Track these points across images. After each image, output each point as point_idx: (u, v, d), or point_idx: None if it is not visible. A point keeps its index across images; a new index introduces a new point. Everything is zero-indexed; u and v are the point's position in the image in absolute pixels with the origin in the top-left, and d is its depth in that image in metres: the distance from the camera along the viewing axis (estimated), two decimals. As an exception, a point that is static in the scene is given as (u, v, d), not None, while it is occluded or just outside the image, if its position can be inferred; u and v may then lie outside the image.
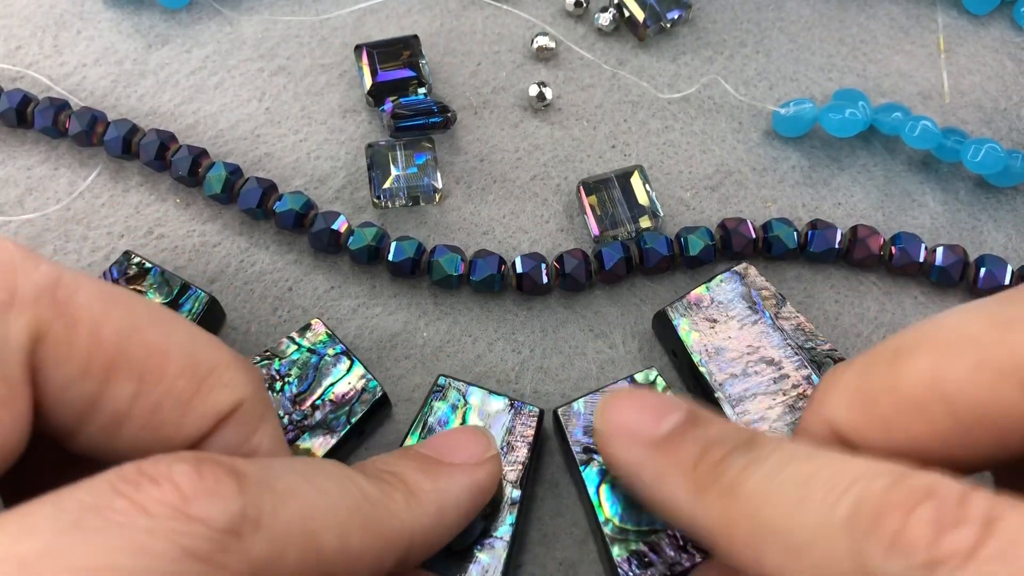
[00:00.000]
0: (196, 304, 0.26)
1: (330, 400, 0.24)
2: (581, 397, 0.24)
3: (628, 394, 0.21)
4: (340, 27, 0.33)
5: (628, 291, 0.28)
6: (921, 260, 0.27)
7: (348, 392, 0.25)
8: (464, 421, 0.24)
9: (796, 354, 0.25)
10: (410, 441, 0.24)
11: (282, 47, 0.32)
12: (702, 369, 0.25)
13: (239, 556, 0.15)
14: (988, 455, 0.17)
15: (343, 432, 0.24)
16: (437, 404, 0.24)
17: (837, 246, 0.27)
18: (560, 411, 0.24)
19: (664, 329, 0.26)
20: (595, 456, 0.24)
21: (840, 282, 0.28)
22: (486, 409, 0.24)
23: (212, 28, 0.33)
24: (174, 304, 0.26)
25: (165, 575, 0.14)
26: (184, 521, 0.14)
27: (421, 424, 0.24)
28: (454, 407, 0.24)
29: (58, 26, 0.33)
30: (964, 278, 0.27)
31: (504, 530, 0.23)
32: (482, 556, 0.22)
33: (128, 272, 0.26)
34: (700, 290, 0.26)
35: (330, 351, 0.25)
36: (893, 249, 0.27)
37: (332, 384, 0.25)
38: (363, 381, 0.25)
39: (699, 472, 0.18)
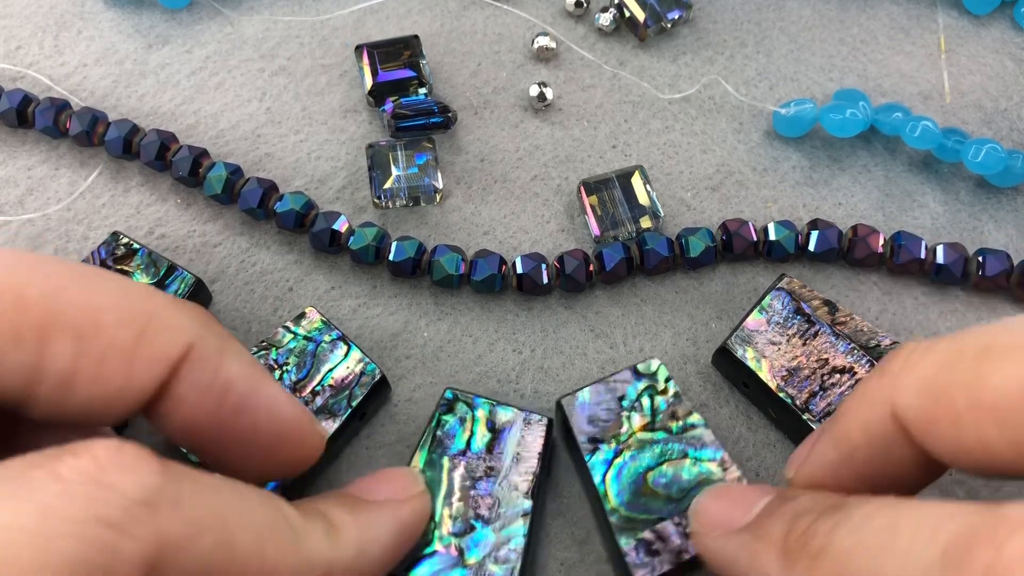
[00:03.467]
0: (182, 285, 0.26)
1: (329, 385, 0.25)
2: (585, 387, 0.24)
3: (718, 489, 0.22)
4: (340, 27, 0.33)
5: (629, 291, 0.28)
6: (922, 258, 0.27)
7: (347, 376, 0.25)
8: (472, 434, 0.24)
9: (864, 356, 0.25)
10: (419, 457, 0.24)
11: (283, 47, 0.32)
12: (782, 395, 0.24)
13: (150, 529, 0.15)
14: None
15: (345, 416, 0.24)
16: (445, 418, 0.24)
17: (837, 245, 0.27)
18: (564, 401, 0.24)
19: (729, 364, 0.26)
20: (600, 445, 0.24)
21: (841, 282, 0.28)
22: (494, 420, 0.24)
23: (213, 28, 0.33)
24: (160, 285, 0.26)
25: (72, 537, 0.14)
26: (96, 487, 0.14)
27: (430, 438, 0.24)
28: (462, 420, 0.24)
29: (59, 26, 0.33)
30: (966, 276, 0.27)
31: (517, 541, 0.23)
32: (495, 568, 0.22)
33: (116, 252, 0.27)
34: (754, 315, 0.26)
35: (326, 337, 0.25)
36: (894, 247, 0.27)
37: (331, 369, 0.25)
38: (361, 365, 0.25)
39: (788, 544, 0.18)
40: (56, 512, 0.14)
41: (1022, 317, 0.17)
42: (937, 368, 0.17)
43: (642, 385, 0.24)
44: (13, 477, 0.14)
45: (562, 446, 0.26)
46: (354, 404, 0.24)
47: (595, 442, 0.24)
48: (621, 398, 0.24)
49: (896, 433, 0.18)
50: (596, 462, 0.23)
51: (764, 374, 0.25)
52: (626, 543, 0.22)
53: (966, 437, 0.17)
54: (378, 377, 0.25)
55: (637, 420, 0.24)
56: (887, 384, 0.18)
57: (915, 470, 0.19)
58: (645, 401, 0.24)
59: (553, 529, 0.25)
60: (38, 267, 0.17)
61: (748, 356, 0.25)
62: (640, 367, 0.25)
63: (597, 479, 0.23)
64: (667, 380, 0.24)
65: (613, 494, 0.23)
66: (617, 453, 0.23)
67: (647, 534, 0.22)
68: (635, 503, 0.23)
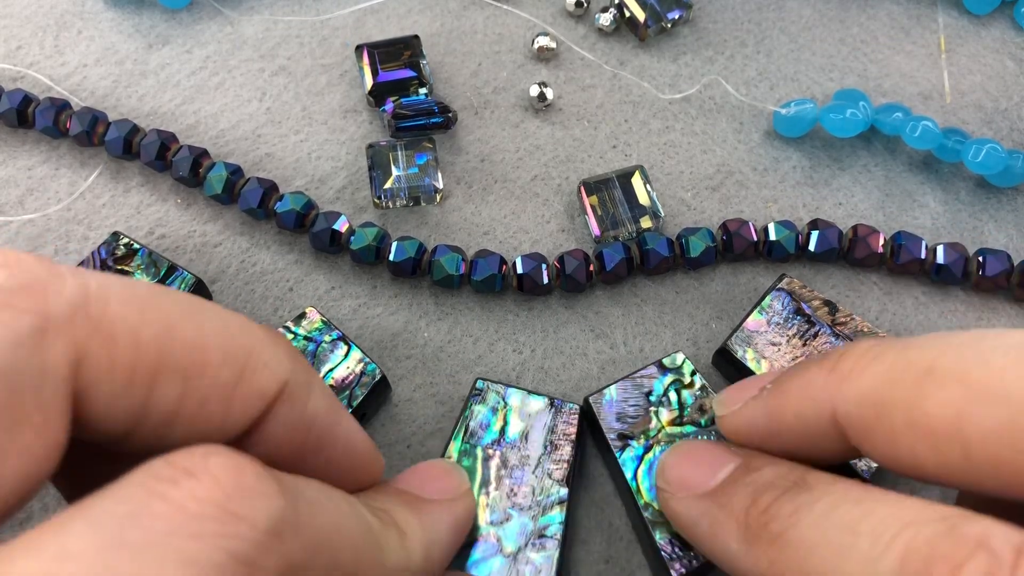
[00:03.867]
0: (182, 286, 0.26)
1: (330, 385, 0.25)
2: (611, 384, 0.25)
3: (686, 448, 0.22)
4: (341, 27, 0.33)
5: (629, 291, 0.28)
6: (922, 258, 0.27)
7: (347, 376, 0.25)
8: (505, 423, 0.24)
9: None
10: (453, 448, 0.24)
11: (283, 47, 0.32)
12: None
13: (279, 559, 0.14)
14: (996, 498, 0.17)
15: None
16: (477, 408, 0.24)
17: (838, 245, 0.27)
18: (592, 399, 0.24)
19: (729, 364, 0.26)
20: (630, 442, 0.24)
21: (841, 282, 0.28)
22: (526, 410, 0.24)
23: (213, 28, 0.33)
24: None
25: None
26: (229, 522, 0.14)
27: (463, 429, 0.24)
28: (494, 409, 0.24)
29: (59, 26, 0.33)
30: (966, 276, 0.27)
31: (554, 529, 0.23)
32: (534, 556, 0.22)
33: (116, 252, 0.27)
34: (755, 316, 0.26)
35: (327, 338, 0.25)
36: (894, 247, 0.27)
37: (331, 370, 0.25)
38: (361, 365, 0.25)
39: (749, 520, 0.18)
40: (197, 560, 0.13)
41: (966, 335, 0.18)
42: (881, 382, 0.18)
43: (668, 379, 0.25)
44: (135, 515, 0.13)
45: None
46: (354, 404, 0.24)
47: (624, 439, 0.24)
48: (648, 393, 0.24)
49: (831, 429, 0.19)
50: (627, 459, 0.24)
51: (764, 374, 0.25)
52: (661, 538, 0.22)
53: (900, 451, 0.17)
54: (378, 377, 0.25)
55: (665, 415, 0.24)
56: (832, 384, 0.19)
57: (838, 454, 0.20)
58: (672, 395, 0.24)
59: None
60: (151, 303, 0.16)
61: (748, 357, 0.25)
62: (665, 361, 0.25)
63: (629, 475, 0.23)
64: (693, 373, 0.25)
65: (645, 489, 0.23)
66: (647, 448, 0.24)
67: None
68: None
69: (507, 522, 0.23)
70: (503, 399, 0.24)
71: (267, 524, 0.14)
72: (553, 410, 0.24)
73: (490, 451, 0.24)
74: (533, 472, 0.23)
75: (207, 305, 0.18)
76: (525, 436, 0.24)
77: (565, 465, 0.24)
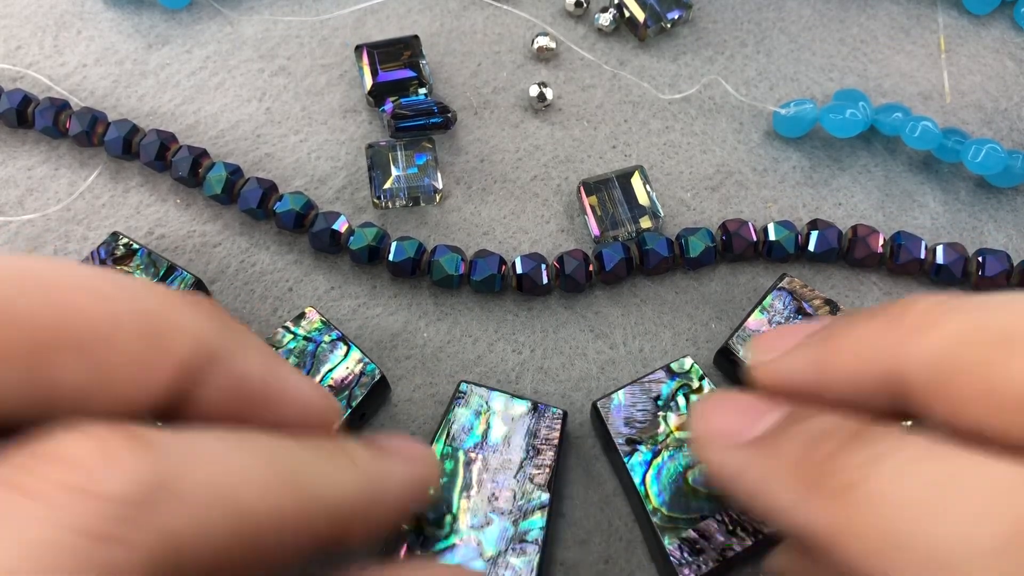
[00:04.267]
0: (182, 285, 0.26)
1: (329, 385, 0.25)
2: (620, 389, 0.24)
3: (724, 396, 0.20)
4: (340, 27, 0.33)
5: (629, 292, 0.28)
6: (922, 258, 0.27)
7: (347, 376, 0.25)
8: (488, 427, 0.24)
9: None
10: (435, 450, 0.24)
11: (282, 47, 0.32)
12: None
13: (150, 529, 0.13)
14: None
15: (345, 416, 0.24)
16: (460, 411, 0.24)
17: (837, 246, 0.27)
18: (600, 403, 0.24)
19: (730, 363, 0.26)
20: (639, 447, 0.24)
21: (841, 282, 0.28)
22: (509, 413, 0.24)
23: (212, 28, 0.33)
24: None
25: (64, 570, 0.12)
26: (81, 499, 0.13)
27: (445, 432, 0.24)
28: (477, 413, 0.24)
29: (58, 26, 0.33)
30: (966, 276, 0.27)
31: (535, 533, 0.23)
32: (515, 561, 0.22)
33: (115, 253, 0.27)
34: (756, 315, 0.26)
35: (326, 338, 0.25)
36: (894, 247, 0.27)
37: (331, 370, 0.25)
38: (361, 365, 0.25)
39: (804, 470, 0.17)
40: (40, 542, 0.12)
41: None
42: (953, 343, 0.16)
43: (676, 384, 0.24)
44: None
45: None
46: (354, 404, 0.25)
47: (632, 443, 0.24)
48: (656, 398, 0.24)
49: (883, 387, 0.17)
50: (635, 463, 0.23)
51: None
52: (670, 543, 0.22)
53: (965, 418, 0.16)
54: (378, 377, 0.25)
55: (674, 419, 0.24)
56: (896, 340, 0.17)
57: (884, 411, 0.18)
58: (680, 400, 0.24)
59: (555, 530, 0.25)
60: (44, 278, 0.16)
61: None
62: (673, 366, 0.25)
63: (637, 480, 0.23)
64: (701, 378, 0.25)
65: (654, 494, 0.23)
66: (656, 453, 0.24)
67: (690, 533, 0.22)
68: (676, 502, 0.23)
69: (488, 526, 0.23)
70: (486, 402, 0.24)
71: (126, 494, 0.13)
72: (536, 415, 0.24)
73: (472, 454, 0.24)
74: (515, 476, 0.23)
75: (110, 276, 0.17)
76: (507, 440, 0.24)
77: (547, 470, 0.23)
